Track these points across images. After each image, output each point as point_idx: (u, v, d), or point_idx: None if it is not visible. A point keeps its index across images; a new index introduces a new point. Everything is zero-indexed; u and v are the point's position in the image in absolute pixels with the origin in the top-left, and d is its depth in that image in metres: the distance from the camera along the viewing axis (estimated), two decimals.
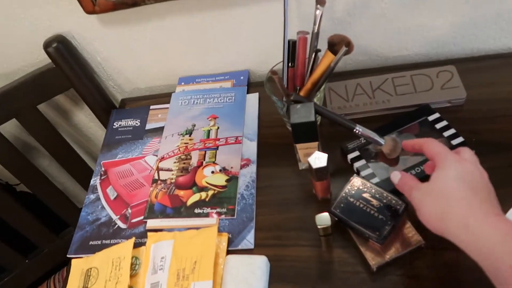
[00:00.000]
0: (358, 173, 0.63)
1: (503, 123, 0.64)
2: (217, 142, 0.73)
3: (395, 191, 0.53)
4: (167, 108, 0.81)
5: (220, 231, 0.61)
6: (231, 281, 0.55)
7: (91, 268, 0.61)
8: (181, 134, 0.75)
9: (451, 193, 0.43)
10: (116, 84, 0.90)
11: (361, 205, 0.56)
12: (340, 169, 0.65)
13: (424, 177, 0.50)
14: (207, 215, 0.64)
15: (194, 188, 0.67)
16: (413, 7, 0.69)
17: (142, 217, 0.66)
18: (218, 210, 0.64)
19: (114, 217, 0.68)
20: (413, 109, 0.67)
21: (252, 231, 0.61)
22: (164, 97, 0.83)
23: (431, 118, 0.65)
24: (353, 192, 0.57)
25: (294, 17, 0.70)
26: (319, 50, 0.63)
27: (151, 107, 0.83)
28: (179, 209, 0.65)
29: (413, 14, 0.70)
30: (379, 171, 0.61)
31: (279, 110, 0.68)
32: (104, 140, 0.80)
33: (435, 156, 0.46)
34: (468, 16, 0.70)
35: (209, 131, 0.75)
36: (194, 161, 0.71)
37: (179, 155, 0.73)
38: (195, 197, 0.66)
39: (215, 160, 0.70)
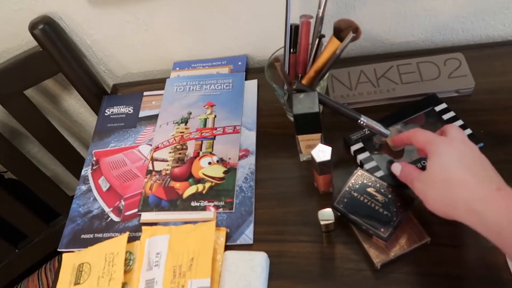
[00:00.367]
0: (361, 166, 0.60)
1: None
2: (214, 131, 0.70)
3: (401, 185, 0.51)
4: (162, 94, 0.77)
5: (218, 225, 0.59)
6: (230, 279, 0.53)
7: (83, 263, 0.59)
8: (177, 123, 0.72)
9: (450, 180, 0.43)
10: (107, 69, 0.86)
11: (366, 200, 0.53)
12: (343, 161, 0.62)
13: None
14: (204, 208, 0.61)
15: (190, 180, 0.65)
16: None
17: (136, 210, 0.64)
18: (216, 203, 0.61)
19: (106, 209, 0.65)
20: (419, 99, 0.65)
21: (251, 226, 0.59)
22: (158, 83, 0.80)
23: (438, 108, 0.62)
24: (357, 186, 0.55)
25: None
26: (323, 36, 0.60)
27: (145, 93, 0.79)
28: (175, 202, 0.63)
29: None
30: (383, 164, 0.59)
31: (279, 98, 0.65)
32: (95, 128, 0.76)
33: (425, 145, 0.47)
34: (478, 0, 0.67)
35: (205, 120, 0.71)
36: (190, 151, 0.68)
37: (175, 144, 0.69)
38: (192, 189, 0.63)
39: (212, 150, 0.67)
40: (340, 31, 0.56)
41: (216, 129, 0.70)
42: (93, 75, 0.84)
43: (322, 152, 0.52)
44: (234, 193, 0.62)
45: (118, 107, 0.78)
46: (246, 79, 0.76)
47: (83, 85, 0.82)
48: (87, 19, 0.75)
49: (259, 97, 0.73)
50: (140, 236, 0.60)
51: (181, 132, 0.71)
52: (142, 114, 0.76)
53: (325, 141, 0.58)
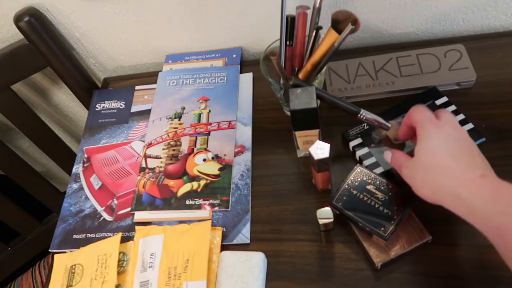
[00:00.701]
0: (360, 162, 0.59)
1: None
2: (208, 127, 0.68)
3: (401, 182, 0.50)
4: (154, 88, 0.75)
5: (213, 224, 0.57)
6: (226, 280, 0.51)
7: (75, 265, 0.57)
8: (170, 118, 0.70)
9: (436, 165, 0.43)
10: (97, 62, 0.83)
11: (365, 198, 0.52)
12: (341, 157, 0.61)
13: None
14: (199, 207, 0.60)
15: (185, 178, 0.63)
16: None
17: (129, 209, 0.62)
18: (211, 201, 0.60)
19: (99, 208, 0.64)
20: (419, 92, 0.63)
21: (248, 225, 0.57)
22: (150, 77, 0.77)
23: (438, 102, 0.61)
24: (356, 183, 0.53)
25: None
26: (321, 28, 0.58)
27: (136, 87, 0.77)
28: (169, 201, 0.61)
29: None
30: (383, 160, 0.57)
31: (275, 93, 0.63)
32: (86, 124, 0.74)
33: (416, 126, 0.47)
34: None
35: (200, 115, 0.69)
36: (184, 148, 0.66)
37: (168, 140, 0.67)
38: (186, 187, 0.62)
39: (206, 146, 0.65)
40: (338, 23, 0.53)
41: (210, 124, 0.68)
42: (83, 68, 0.81)
43: (320, 149, 0.50)
44: (230, 191, 0.60)
45: (109, 101, 0.76)
46: (241, 72, 0.74)
47: (73, 79, 0.79)
48: (75, 10, 0.72)
49: (255, 91, 0.71)
50: (133, 236, 0.59)
51: (174, 128, 0.69)
52: (134, 109, 0.74)
53: (323, 137, 0.56)
